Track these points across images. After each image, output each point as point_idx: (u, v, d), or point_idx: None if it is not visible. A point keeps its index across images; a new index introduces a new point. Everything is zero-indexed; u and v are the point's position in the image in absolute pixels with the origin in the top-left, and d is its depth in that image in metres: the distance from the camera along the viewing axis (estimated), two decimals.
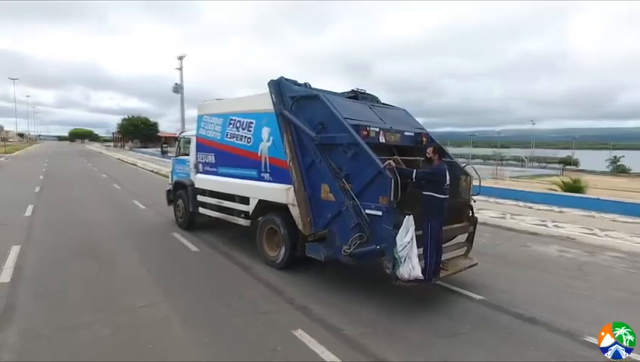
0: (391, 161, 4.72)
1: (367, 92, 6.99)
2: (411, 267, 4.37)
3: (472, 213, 6.04)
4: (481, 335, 4.25)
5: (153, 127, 72.45)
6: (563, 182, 18.71)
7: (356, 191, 4.92)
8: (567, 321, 4.61)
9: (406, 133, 6.10)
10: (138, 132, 70.46)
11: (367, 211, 4.76)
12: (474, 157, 53.91)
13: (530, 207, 13.06)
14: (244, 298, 5.07)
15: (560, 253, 7.79)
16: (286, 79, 6.09)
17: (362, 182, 4.87)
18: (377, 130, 5.50)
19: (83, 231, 8.43)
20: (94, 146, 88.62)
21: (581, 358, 3.87)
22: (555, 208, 12.81)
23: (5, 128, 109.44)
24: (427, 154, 5.17)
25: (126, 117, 73.67)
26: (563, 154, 57.53)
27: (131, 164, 31.33)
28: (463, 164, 6.38)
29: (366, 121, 5.59)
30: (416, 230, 4.48)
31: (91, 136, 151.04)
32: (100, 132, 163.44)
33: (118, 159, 38.08)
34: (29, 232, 8.17)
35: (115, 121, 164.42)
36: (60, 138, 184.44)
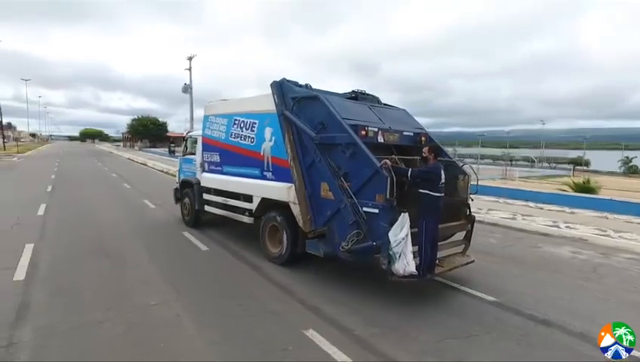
0: (387, 160, 4.83)
1: (367, 92, 7.11)
2: (406, 263, 4.50)
3: (470, 212, 6.13)
4: (494, 337, 4.20)
5: (162, 127, 73.10)
6: (574, 182, 18.49)
7: (354, 189, 5.03)
8: (581, 323, 4.54)
9: (405, 133, 6.19)
10: (147, 132, 71.13)
11: (365, 209, 4.88)
12: (483, 157, 53.45)
13: (541, 208, 12.91)
14: (255, 297, 5.08)
15: (573, 255, 7.68)
16: (288, 80, 6.24)
17: (360, 181, 4.98)
18: (376, 130, 5.60)
19: (94, 230, 8.53)
20: (104, 146, 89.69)
21: (596, 360, 3.80)
22: (567, 209, 12.65)
23: (18, 128, 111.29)
24: (423, 154, 5.31)
25: (135, 117, 74.55)
26: (574, 154, 56.73)
27: (141, 163, 31.63)
28: (461, 164, 6.51)
29: (364, 121, 5.69)
30: (412, 227, 4.61)
31: (101, 136, 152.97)
32: (110, 132, 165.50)
33: (128, 159, 38.48)
34: (42, 231, 8.29)
35: (124, 121, 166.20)
36: (71, 138, 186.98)
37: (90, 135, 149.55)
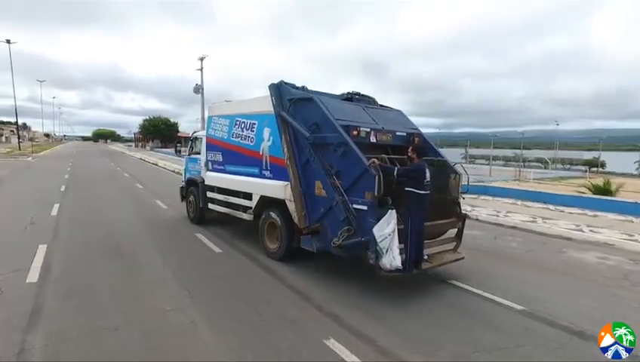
0: (375, 159, 5.02)
1: (362, 94, 7.30)
2: (392, 257, 4.63)
3: (461, 210, 6.25)
4: (527, 350, 3.95)
5: (173, 127, 73.59)
6: (592, 184, 17.95)
7: (345, 187, 5.21)
8: None
9: (398, 133, 6.32)
10: (159, 132, 71.70)
11: (355, 206, 5.04)
12: (495, 158, 52.50)
13: (561, 211, 12.50)
14: (272, 303, 4.89)
15: (600, 261, 7.34)
16: (285, 83, 6.37)
17: (350, 179, 5.16)
18: (368, 130, 5.76)
19: (108, 230, 8.46)
20: (116, 146, 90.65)
21: None
22: (589, 212, 12.21)
23: (32, 129, 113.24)
24: (408, 153, 5.52)
25: (147, 117, 75.14)
26: (588, 155, 55.42)
27: (153, 163, 31.79)
28: (453, 163, 6.62)
29: (357, 122, 5.82)
30: (399, 224, 4.77)
31: (113, 137, 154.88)
32: (122, 132, 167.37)
33: (140, 159, 38.75)
34: (56, 231, 8.24)
35: (136, 121, 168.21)
36: (84, 138, 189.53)
37: (103, 135, 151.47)
